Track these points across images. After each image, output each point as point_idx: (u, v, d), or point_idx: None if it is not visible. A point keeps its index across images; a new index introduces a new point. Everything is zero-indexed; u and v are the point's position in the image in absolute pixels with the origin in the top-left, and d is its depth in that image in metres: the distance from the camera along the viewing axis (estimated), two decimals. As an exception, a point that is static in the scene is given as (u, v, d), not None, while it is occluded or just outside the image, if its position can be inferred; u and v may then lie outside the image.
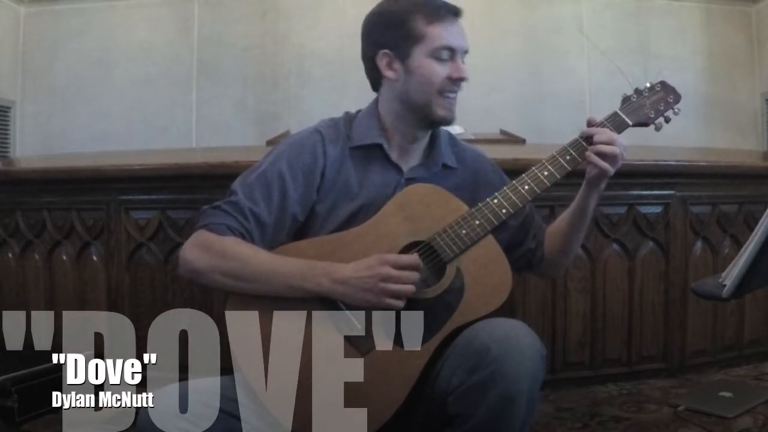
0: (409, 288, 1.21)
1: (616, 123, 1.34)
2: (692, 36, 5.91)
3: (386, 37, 1.35)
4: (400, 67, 1.35)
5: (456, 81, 1.34)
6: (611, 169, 1.29)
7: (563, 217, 1.44)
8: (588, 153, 1.29)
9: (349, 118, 1.42)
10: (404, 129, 1.38)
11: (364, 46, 1.39)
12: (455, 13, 1.35)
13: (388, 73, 1.36)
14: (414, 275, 1.22)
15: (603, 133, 1.30)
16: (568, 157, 1.31)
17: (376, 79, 1.39)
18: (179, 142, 5.59)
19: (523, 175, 1.31)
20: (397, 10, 1.35)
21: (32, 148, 5.87)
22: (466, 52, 1.36)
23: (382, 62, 1.36)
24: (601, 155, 1.28)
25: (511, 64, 5.79)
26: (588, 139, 1.31)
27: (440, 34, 1.32)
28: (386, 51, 1.35)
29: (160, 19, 5.88)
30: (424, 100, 1.34)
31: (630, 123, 1.35)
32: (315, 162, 1.34)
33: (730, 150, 4.88)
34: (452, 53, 1.33)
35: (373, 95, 1.44)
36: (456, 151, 1.45)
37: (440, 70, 1.33)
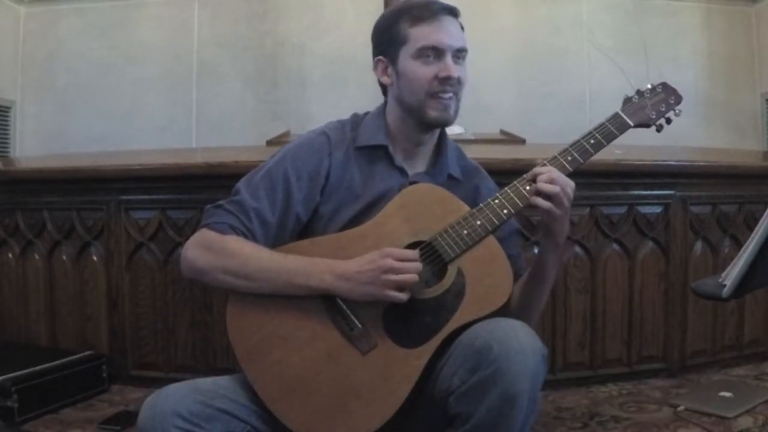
0: (412, 277, 1.20)
1: (616, 124, 1.34)
2: (692, 36, 5.90)
3: (380, 44, 1.37)
4: (393, 72, 1.36)
5: (444, 80, 1.31)
6: (555, 210, 1.25)
7: (523, 277, 1.39)
8: (531, 197, 1.26)
9: (357, 120, 1.42)
10: (407, 132, 1.38)
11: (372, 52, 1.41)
12: (444, 11, 1.32)
13: (384, 79, 1.38)
14: (416, 266, 1.21)
15: (546, 172, 1.26)
16: (570, 158, 1.30)
17: (381, 84, 1.40)
18: (179, 142, 5.57)
19: (524, 175, 1.30)
20: (388, 14, 1.36)
21: (32, 148, 5.85)
22: (459, 50, 1.33)
23: (378, 69, 1.38)
24: (543, 195, 1.25)
25: (511, 64, 5.78)
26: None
27: (423, 34, 1.31)
28: (381, 57, 1.37)
29: (160, 19, 5.87)
30: (416, 103, 1.33)
31: (632, 124, 1.35)
32: (320, 164, 1.34)
33: (730, 150, 4.87)
34: (438, 53, 1.31)
35: (373, 94, 1.44)
36: (462, 165, 1.45)
37: (426, 71, 1.31)
